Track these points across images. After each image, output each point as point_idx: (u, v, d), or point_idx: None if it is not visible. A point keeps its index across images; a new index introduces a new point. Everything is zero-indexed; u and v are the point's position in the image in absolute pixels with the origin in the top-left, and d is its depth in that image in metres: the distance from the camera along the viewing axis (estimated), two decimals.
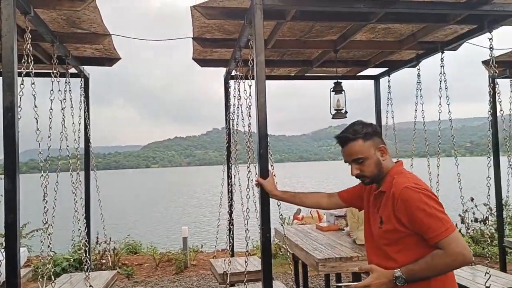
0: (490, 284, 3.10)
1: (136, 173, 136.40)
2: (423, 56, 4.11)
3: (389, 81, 4.66)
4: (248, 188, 3.34)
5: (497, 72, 3.88)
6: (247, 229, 3.17)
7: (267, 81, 2.56)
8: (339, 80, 4.32)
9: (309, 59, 4.54)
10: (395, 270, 1.57)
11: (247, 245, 3.23)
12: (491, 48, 3.19)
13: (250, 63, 2.72)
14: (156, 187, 51.42)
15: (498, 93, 4.43)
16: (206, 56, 4.23)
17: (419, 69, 4.14)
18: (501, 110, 4.47)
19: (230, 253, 4.59)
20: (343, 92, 4.26)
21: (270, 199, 2.45)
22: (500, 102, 4.49)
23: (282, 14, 3.06)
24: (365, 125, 1.78)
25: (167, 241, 11.26)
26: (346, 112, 4.26)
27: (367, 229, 1.85)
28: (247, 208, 3.31)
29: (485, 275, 3.16)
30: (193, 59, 4.22)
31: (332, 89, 4.30)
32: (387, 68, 4.74)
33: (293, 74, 5.11)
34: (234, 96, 3.71)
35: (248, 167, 3.36)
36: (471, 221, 6.74)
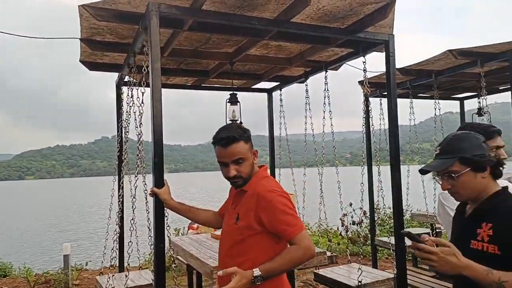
0: (361, 279, 3.48)
1: (5, 186, 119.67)
2: (311, 73, 4.49)
3: (280, 94, 4.97)
4: (134, 198, 3.23)
5: (370, 91, 4.45)
6: (137, 242, 3.05)
7: (163, 89, 2.52)
8: (234, 92, 4.45)
9: (206, 69, 4.59)
10: (254, 270, 1.65)
11: (138, 259, 3.10)
12: (364, 70, 3.64)
13: (145, 70, 2.65)
14: (30, 201, 45.71)
15: (370, 109, 5.07)
16: (95, 59, 3.97)
17: (307, 84, 4.51)
18: (372, 125, 5.12)
19: (118, 268, 4.34)
20: (238, 103, 4.40)
21: (165, 209, 2.40)
22: (372, 118, 5.16)
23: (179, 23, 3.05)
24: (243, 128, 1.92)
25: (44, 262, 10.10)
26: (241, 122, 4.41)
27: (223, 229, 1.97)
28: (132, 220, 3.19)
29: (358, 271, 3.54)
30: (80, 61, 3.92)
31: (228, 100, 4.42)
32: (279, 82, 5.05)
33: (190, 84, 5.10)
34: (128, 103, 3.55)
35: (137, 177, 3.25)
36: (350, 224, 7.50)
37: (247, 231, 1.77)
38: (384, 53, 3.36)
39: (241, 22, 2.92)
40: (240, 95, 4.49)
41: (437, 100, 4.76)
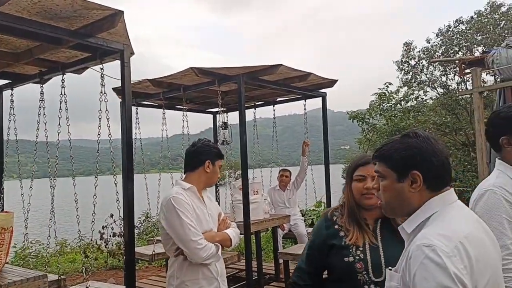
0: None
1: None
2: (47, 74, 4.01)
3: (12, 94, 4.26)
4: None
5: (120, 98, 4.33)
6: None
7: None
8: None
9: None
10: None
11: None
12: (102, 77, 3.47)
13: None
14: None
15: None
16: None
17: (42, 86, 4.00)
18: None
19: None
20: None
21: None
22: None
23: None
24: None
25: None
26: None
27: None
28: None
29: None
30: None
31: None
32: (10, 80, 4.32)
33: None
34: None
35: None
36: (110, 236, 7.17)
37: None
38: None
39: None
40: None
41: (185, 113, 5.05)
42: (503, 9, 12.72)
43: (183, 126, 4.92)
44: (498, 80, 6.92)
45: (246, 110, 4.76)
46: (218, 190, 6.22)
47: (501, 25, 12.35)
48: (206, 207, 2.67)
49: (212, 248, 2.51)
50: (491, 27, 12.36)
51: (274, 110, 5.97)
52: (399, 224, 1.49)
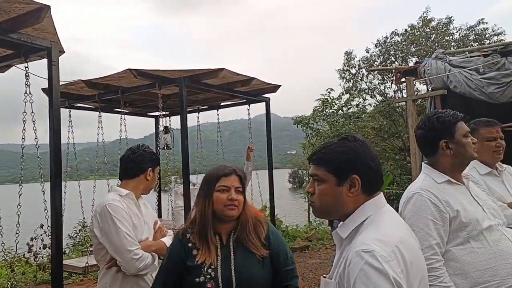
0: None
1: None
2: None
3: None
4: None
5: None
6: None
7: None
8: None
9: None
10: None
11: None
12: (26, 76, 3.18)
13: None
14: None
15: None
16: None
17: None
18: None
19: None
20: None
21: None
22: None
23: None
24: None
25: None
26: None
27: None
28: None
29: None
30: None
31: None
32: None
33: None
34: None
35: None
36: (40, 248, 6.65)
37: None
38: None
39: None
40: None
41: (123, 116, 4.81)
42: (433, 23, 13.70)
43: (120, 130, 4.69)
44: (430, 89, 7.41)
45: (190, 114, 4.65)
46: (159, 196, 6.01)
47: (432, 38, 13.29)
48: (142, 215, 2.55)
49: (148, 258, 2.38)
50: (423, 39, 13.25)
51: (218, 115, 5.89)
52: (253, 237, 1.55)
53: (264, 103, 5.66)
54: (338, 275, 1.23)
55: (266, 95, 5.65)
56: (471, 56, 6.69)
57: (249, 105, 5.70)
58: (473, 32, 13.43)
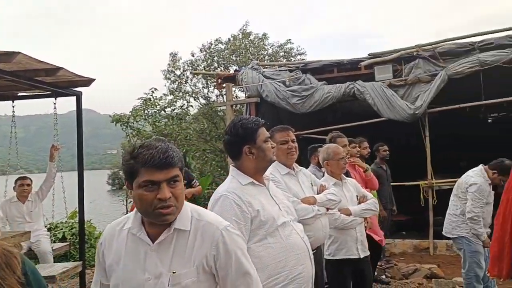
0: None
1: None
2: None
3: None
4: None
5: None
6: None
7: None
8: None
9: None
10: None
11: None
12: None
13: None
14: None
15: None
16: None
17: None
18: None
19: None
20: None
21: None
22: None
23: None
24: None
25: None
26: None
27: None
28: None
29: None
30: None
31: None
32: None
33: None
34: None
35: None
36: None
37: None
38: None
39: None
40: None
41: None
42: (251, 37, 15.03)
43: None
44: (246, 96, 8.02)
45: None
46: None
47: (250, 50, 14.55)
48: None
49: None
50: (243, 50, 14.38)
51: (13, 106, 4.94)
52: None
53: (75, 97, 5.04)
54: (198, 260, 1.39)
55: (78, 89, 5.04)
56: (280, 70, 7.57)
57: (55, 98, 4.98)
58: (283, 49, 15.34)
